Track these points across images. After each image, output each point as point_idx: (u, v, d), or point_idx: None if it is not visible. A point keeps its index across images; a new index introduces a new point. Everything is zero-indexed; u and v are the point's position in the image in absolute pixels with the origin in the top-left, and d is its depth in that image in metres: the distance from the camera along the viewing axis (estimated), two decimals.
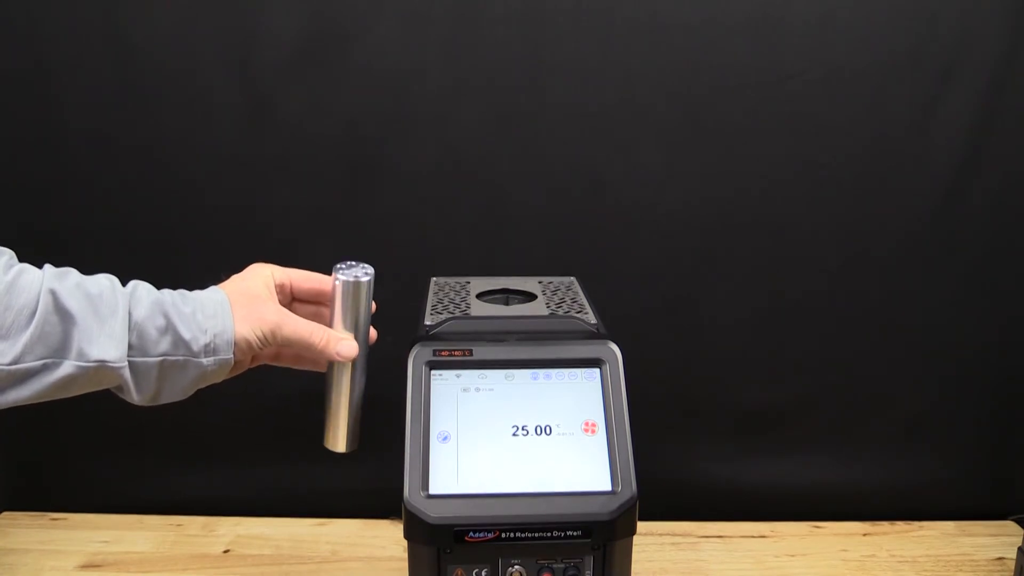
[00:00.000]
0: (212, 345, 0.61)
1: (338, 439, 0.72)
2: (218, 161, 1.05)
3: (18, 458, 1.16)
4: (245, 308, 0.64)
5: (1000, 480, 1.15)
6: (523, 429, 0.72)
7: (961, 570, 1.03)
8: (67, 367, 0.56)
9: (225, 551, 1.06)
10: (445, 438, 0.71)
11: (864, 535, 1.11)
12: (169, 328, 0.59)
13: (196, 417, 1.13)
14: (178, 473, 1.15)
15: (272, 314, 0.65)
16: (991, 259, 1.08)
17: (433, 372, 0.74)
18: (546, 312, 0.83)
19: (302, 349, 0.67)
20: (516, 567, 0.70)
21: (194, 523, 1.12)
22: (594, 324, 0.79)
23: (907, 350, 1.11)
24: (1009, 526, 1.13)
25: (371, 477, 1.10)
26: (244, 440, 1.14)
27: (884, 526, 1.13)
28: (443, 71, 1.02)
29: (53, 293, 0.56)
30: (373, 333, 0.71)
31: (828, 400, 1.13)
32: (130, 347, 0.58)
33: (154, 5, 1.00)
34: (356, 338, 0.69)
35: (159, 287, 0.62)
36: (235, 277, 0.68)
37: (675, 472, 1.13)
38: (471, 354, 0.74)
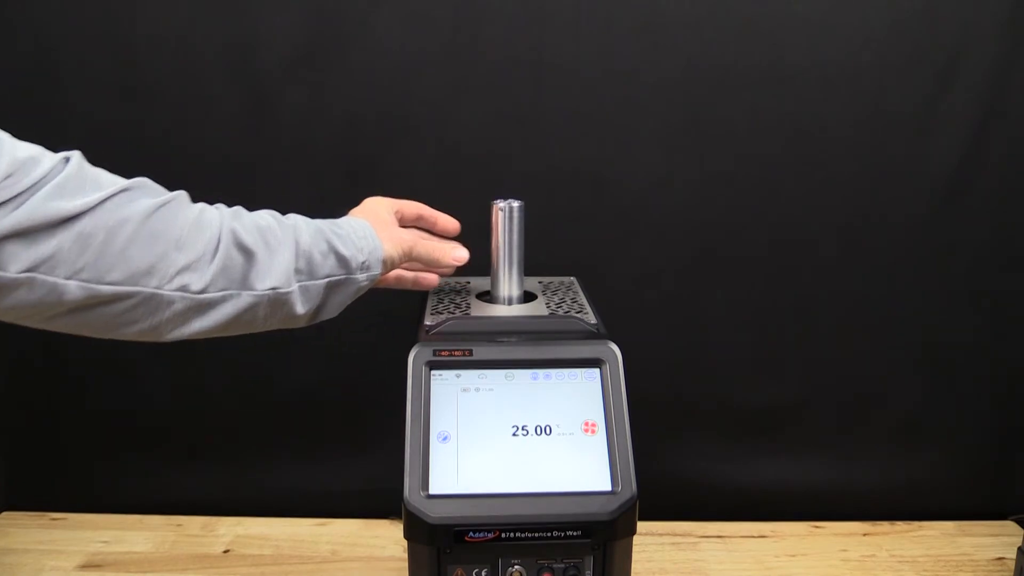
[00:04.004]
0: (367, 263, 0.69)
1: None
2: (218, 161, 1.05)
3: (18, 458, 1.16)
4: (384, 231, 0.73)
5: (1000, 480, 1.15)
6: (523, 429, 0.72)
7: (961, 570, 1.03)
8: (245, 297, 0.62)
9: (225, 551, 1.06)
10: (445, 438, 0.71)
11: (864, 535, 1.11)
12: (331, 250, 0.67)
13: (196, 417, 1.14)
14: (178, 473, 1.15)
15: (406, 235, 0.76)
16: (991, 259, 1.08)
17: (433, 372, 0.74)
18: (546, 312, 0.83)
19: (428, 262, 0.79)
20: (516, 567, 0.70)
21: (194, 523, 1.12)
22: (594, 324, 0.79)
23: (906, 350, 1.11)
24: (1009, 526, 1.13)
25: (371, 477, 1.10)
26: (244, 440, 1.14)
27: (884, 526, 1.13)
28: (443, 71, 1.02)
29: (233, 231, 0.62)
30: None
31: (828, 400, 1.13)
32: (298, 272, 0.65)
33: (154, 5, 1.00)
34: (513, 254, 0.84)
35: None
36: (358, 209, 0.77)
37: (675, 472, 1.13)
38: (471, 354, 0.74)
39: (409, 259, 0.76)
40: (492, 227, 0.83)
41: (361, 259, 0.69)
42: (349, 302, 0.71)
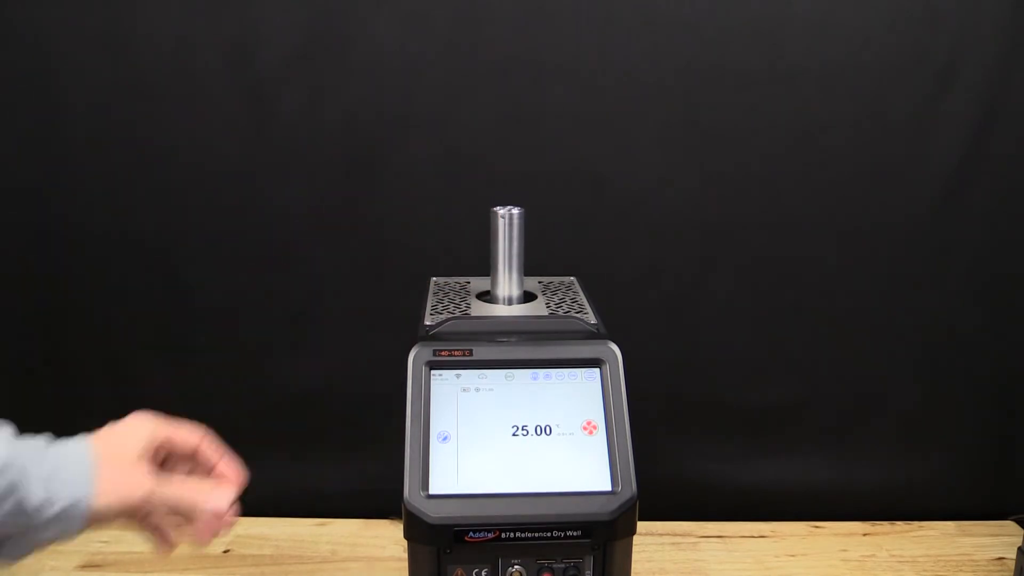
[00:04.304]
0: (63, 514, 0.53)
1: None
2: (218, 161, 1.05)
3: None
4: (114, 472, 0.57)
5: (1000, 480, 1.15)
6: (523, 429, 0.72)
7: (961, 570, 1.03)
8: None
9: (225, 551, 1.06)
10: (445, 438, 0.71)
11: (864, 535, 1.11)
12: (12, 492, 0.51)
13: (196, 417, 1.13)
14: None
15: (142, 481, 0.58)
16: (991, 259, 1.08)
17: (433, 372, 0.74)
18: (546, 312, 0.83)
19: (179, 511, 0.61)
20: (516, 567, 0.70)
21: None
22: (594, 324, 0.79)
23: (906, 350, 1.11)
24: (1009, 526, 1.13)
25: (371, 477, 1.10)
26: (244, 440, 1.13)
27: (884, 526, 1.13)
28: (443, 71, 1.02)
29: None
30: None
31: (828, 400, 1.13)
32: None
33: (154, 5, 1.00)
34: (513, 259, 0.83)
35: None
36: (112, 430, 0.61)
37: (675, 472, 1.13)
38: (471, 354, 0.74)
39: (142, 510, 0.59)
40: (492, 233, 0.83)
41: (54, 510, 0.52)
42: (35, 552, 0.55)
